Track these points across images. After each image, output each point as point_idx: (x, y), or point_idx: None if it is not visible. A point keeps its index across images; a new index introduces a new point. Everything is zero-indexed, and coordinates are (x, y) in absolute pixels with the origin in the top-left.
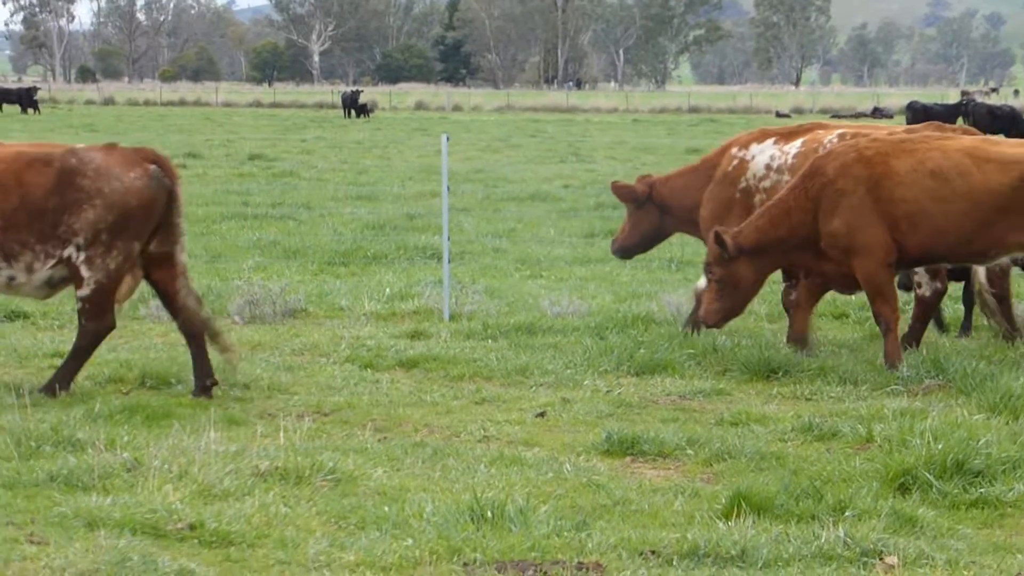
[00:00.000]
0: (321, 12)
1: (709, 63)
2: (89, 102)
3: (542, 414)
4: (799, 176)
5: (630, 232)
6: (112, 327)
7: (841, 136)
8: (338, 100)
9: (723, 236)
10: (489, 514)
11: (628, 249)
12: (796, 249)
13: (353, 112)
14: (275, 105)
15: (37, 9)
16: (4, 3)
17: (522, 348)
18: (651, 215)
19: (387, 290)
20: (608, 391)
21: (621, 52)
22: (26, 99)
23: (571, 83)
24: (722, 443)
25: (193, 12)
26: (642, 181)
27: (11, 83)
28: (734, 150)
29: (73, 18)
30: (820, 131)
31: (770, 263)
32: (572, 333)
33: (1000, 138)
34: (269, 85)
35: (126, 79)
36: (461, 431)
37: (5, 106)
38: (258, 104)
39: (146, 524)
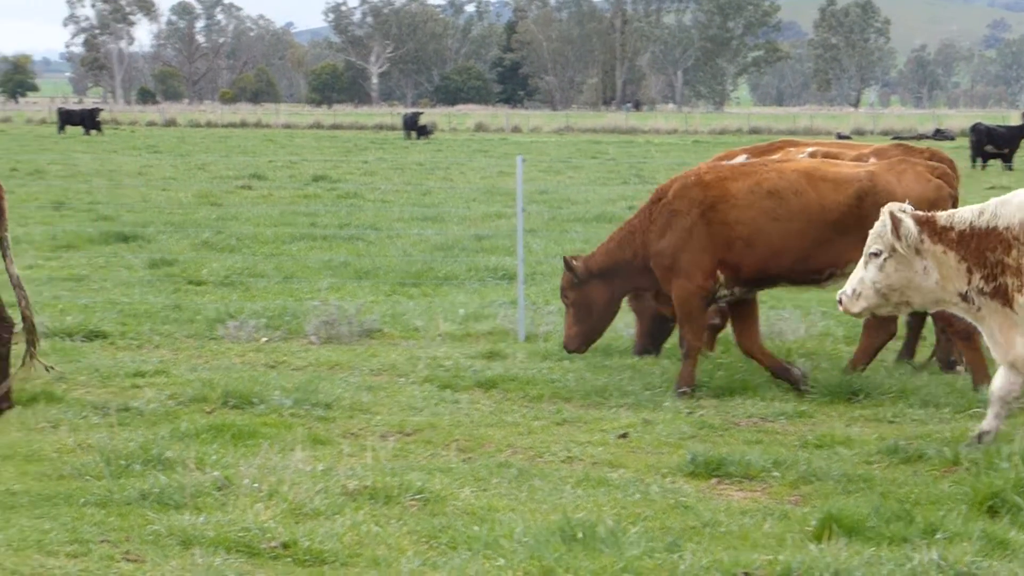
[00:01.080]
0: (380, 34)
1: (768, 84)
2: (151, 123)
3: (624, 435)
4: (649, 199)
5: None
6: None
7: (812, 154)
8: (397, 121)
9: (572, 261)
10: (580, 535)
11: None
12: (644, 272)
13: (413, 133)
14: (335, 127)
15: (98, 31)
16: (65, 25)
17: (599, 369)
18: None
19: (461, 310)
20: (689, 413)
21: (680, 73)
22: (89, 120)
23: (630, 104)
24: (808, 465)
25: (252, 34)
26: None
27: (72, 104)
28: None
29: (133, 40)
30: (791, 148)
31: (621, 285)
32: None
33: (841, 160)
34: (329, 107)
35: (186, 101)
36: (544, 452)
37: (68, 127)
38: (318, 126)
39: (240, 542)
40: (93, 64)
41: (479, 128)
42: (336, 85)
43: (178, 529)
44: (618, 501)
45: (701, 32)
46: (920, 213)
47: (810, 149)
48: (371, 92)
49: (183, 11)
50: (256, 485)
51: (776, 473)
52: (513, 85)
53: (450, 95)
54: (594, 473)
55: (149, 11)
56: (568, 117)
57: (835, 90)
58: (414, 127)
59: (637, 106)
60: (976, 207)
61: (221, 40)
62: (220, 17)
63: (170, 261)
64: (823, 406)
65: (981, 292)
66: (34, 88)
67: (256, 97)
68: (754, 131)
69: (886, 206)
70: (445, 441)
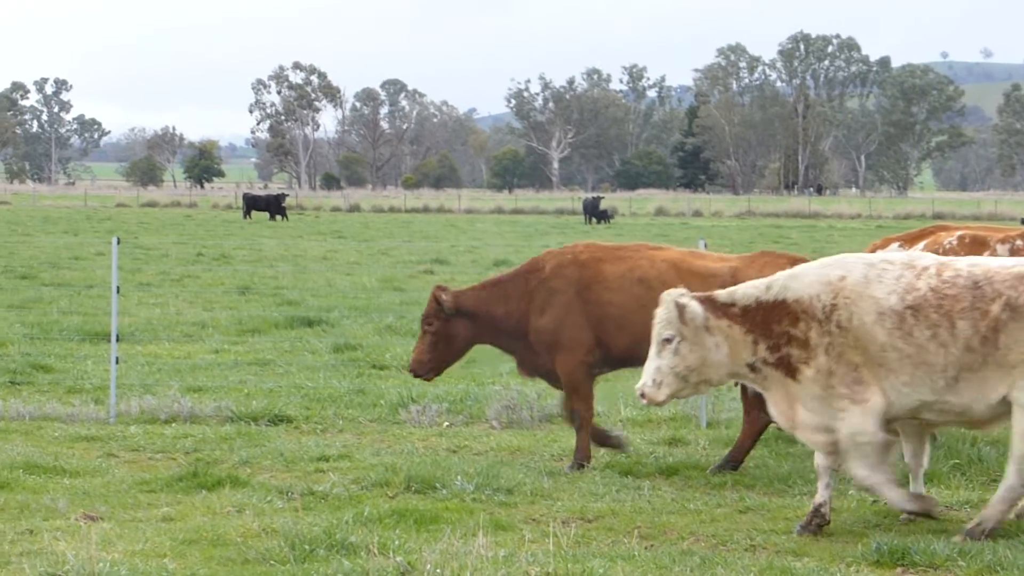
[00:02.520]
0: (561, 119)
1: (952, 169)
2: (335, 209)
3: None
4: (524, 265)
5: None
6: None
7: (960, 238)
8: (578, 206)
9: (443, 294)
10: None
11: None
12: (508, 333)
13: (594, 219)
14: (516, 211)
15: (283, 117)
16: (251, 111)
17: (782, 456)
18: None
19: None
20: (874, 501)
21: (863, 158)
22: (275, 206)
23: (812, 189)
24: (994, 555)
25: (435, 120)
26: None
27: (258, 190)
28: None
29: (318, 126)
30: (942, 233)
31: (482, 333)
32: None
33: (707, 252)
34: (510, 191)
35: (369, 186)
36: (727, 540)
37: (254, 213)
38: (499, 210)
39: None
40: (278, 150)
41: (659, 212)
42: (517, 170)
43: None
44: None
45: (884, 117)
46: (699, 294)
47: (959, 233)
48: (552, 177)
49: (367, 97)
50: (439, 571)
51: (962, 563)
52: (694, 169)
53: (631, 179)
54: (778, 562)
55: (334, 97)
56: (750, 201)
57: (1020, 175)
58: (595, 212)
59: (819, 190)
60: (763, 281)
61: (404, 126)
62: (404, 103)
63: (354, 345)
64: None
65: (766, 362)
66: (220, 174)
67: (438, 182)
68: (937, 216)
69: (665, 293)
70: (627, 528)
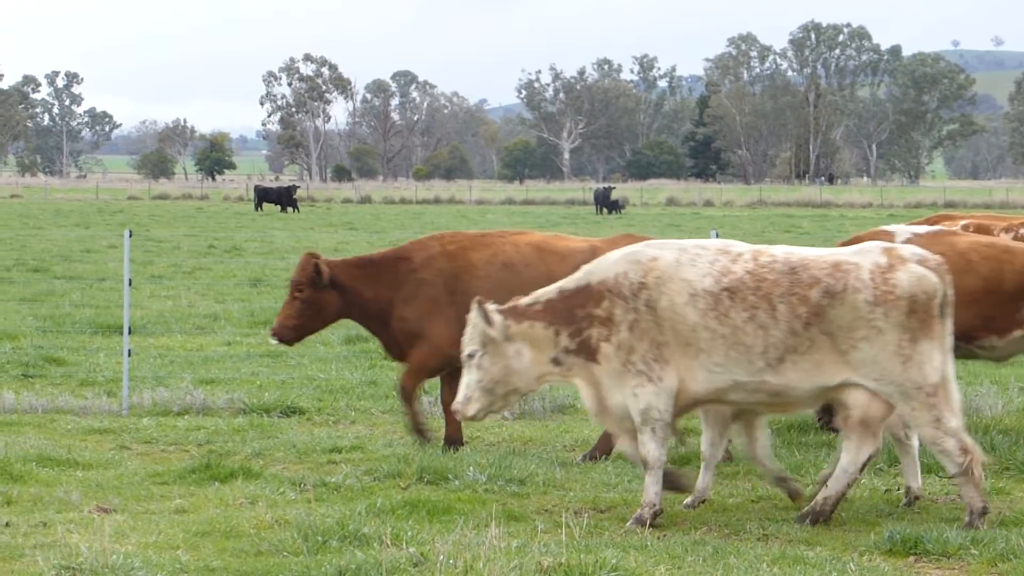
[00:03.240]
0: (572, 110)
1: (963, 158)
2: (346, 200)
3: None
4: (394, 250)
5: None
6: None
7: (964, 227)
8: (589, 196)
9: (321, 265)
10: None
11: None
12: (372, 316)
13: (605, 209)
14: (527, 202)
15: (294, 109)
16: (262, 103)
17: (795, 446)
18: None
19: None
20: (886, 490)
21: (874, 147)
22: (286, 198)
23: (823, 178)
24: (1006, 543)
25: (446, 111)
26: None
27: (269, 182)
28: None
29: (329, 118)
30: (947, 222)
31: (349, 309)
32: None
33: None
34: (520, 182)
35: (380, 178)
36: (740, 529)
37: (265, 205)
38: (510, 201)
39: None
40: (289, 142)
41: (671, 202)
42: (528, 161)
43: None
44: None
45: (895, 106)
46: (502, 306)
47: (963, 222)
48: (563, 167)
49: (378, 89)
50: (451, 561)
51: (974, 551)
52: (705, 159)
53: (642, 170)
54: (790, 551)
55: (345, 89)
56: (761, 191)
57: None
58: (606, 202)
59: (831, 180)
60: (572, 275)
61: (415, 117)
62: (414, 95)
63: (366, 337)
64: (1021, 483)
65: (568, 351)
66: (231, 166)
67: (449, 174)
68: (949, 204)
69: (472, 310)
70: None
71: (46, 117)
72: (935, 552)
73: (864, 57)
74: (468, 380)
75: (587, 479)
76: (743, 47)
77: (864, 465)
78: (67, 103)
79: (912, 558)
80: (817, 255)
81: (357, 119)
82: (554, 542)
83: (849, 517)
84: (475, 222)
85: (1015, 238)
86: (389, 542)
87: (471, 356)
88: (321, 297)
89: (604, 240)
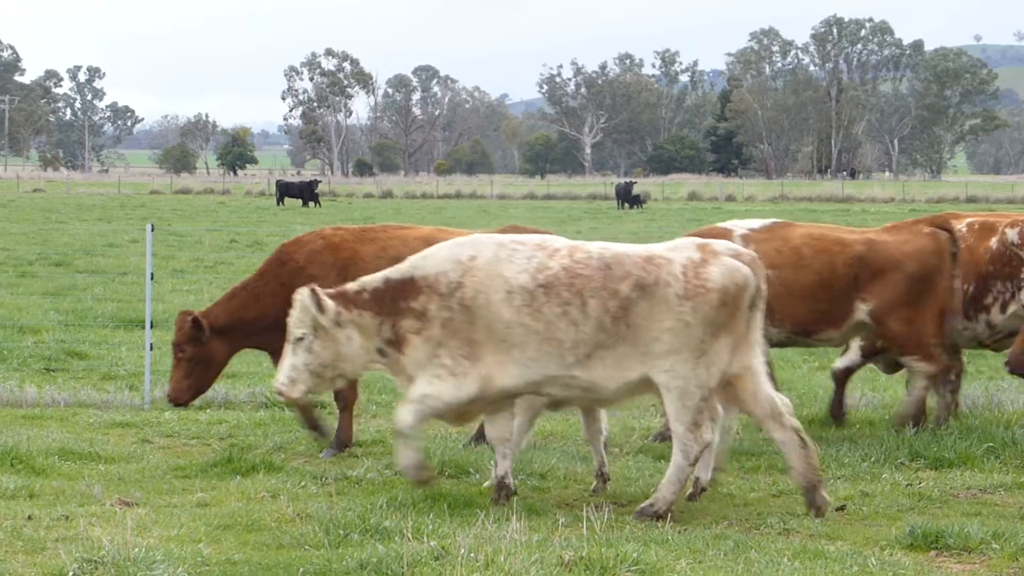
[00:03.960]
0: (593, 104)
1: (985, 152)
2: (368, 195)
3: (842, 507)
4: (267, 262)
5: None
6: None
7: (969, 225)
8: (610, 191)
9: (199, 319)
10: None
11: None
12: (264, 331)
13: (626, 204)
14: (548, 197)
15: (316, 104)
16: (283, 98)
17: (816, 440)
18: None
19: None
20: (908, 485)
21: (896, 142)
22: (308, 193)
23: (845, 173)
24: None
25: (467, 106)
26: None
27: (291, 177)
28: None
29: (351, 113)
30: (953, 220)
31: (237, 343)
32: (866, 426)
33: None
34: (542, 177)
35: (402, 172)
36: (761, 524)
37: (287, 199)
38: (532, 196)
39: None
40: (311, 136)
41: (692, 197)
42: (549, 155)
43: None
44: (836, 574)
45: (918, 100)
46: (332, 290)
47: (969, 219)
48: (584, 162)
49: (399, 84)
50: (472, 555)
51: (995, 545)
52: (727, 154)
53: (663, 164)
54: (811, 546)
55: (366, 84)
56: (783, 186)
57: None
58: (627, 197)
59: (853, 174)
60: (398, 266)
61: (437, 112)
62: (436, 89)
63: None
64: None
65: (388, 342)
66: (253, 160)
67: (471, 168)
68: (971, 199)
69: (298, 292)
70: None
71: (68, 112)
72: (956, 547)
73: (886, 52)
74: (295, 362)
75: (608, 473)
76: (765, 42)
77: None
78: (89, 98)
79: (933, 552)
80: (632, 251)
81: (378, 114)
82: (575, 536)
83: (870, 512)
84: (496, 217)
85: (1021, 234)
86: (410, 536)
87: (301, 339)
88: (207, 350)
89: (492, 232)
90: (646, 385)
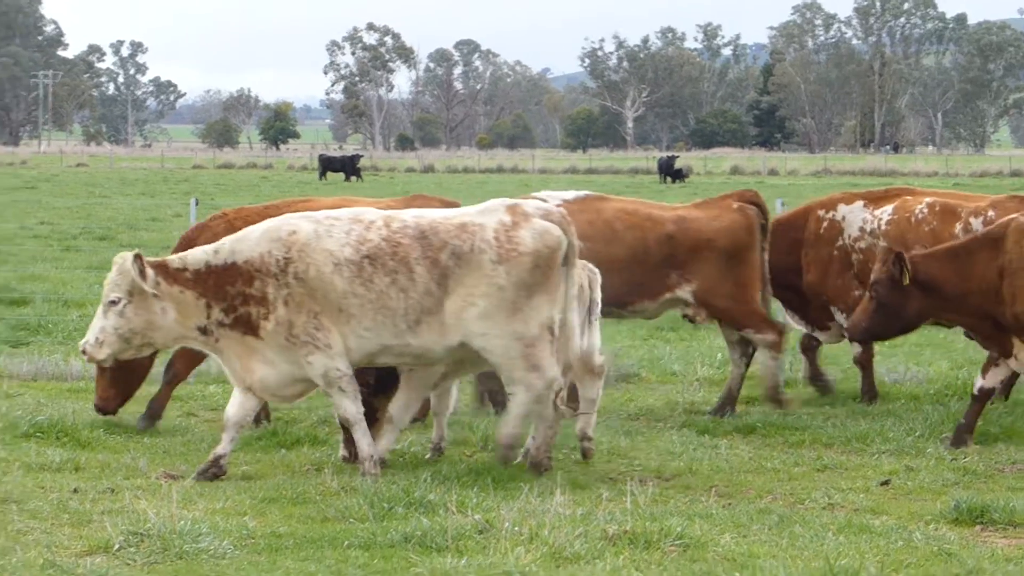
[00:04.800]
0: (635, 78)
1: None
2: (409, 170)
3: (886, 482)
4: (180, 243)
5: None
6: None
7: (930, 205)
8: (652, 165)
9: None
10: None
11: None
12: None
13: (669, 178)
14: (590, 171)
15: (357, 79)
16: (325, 72)
17: (860, 415)
18: None
19: (719, 355)
20: (953, 459)
21: (939, 115)
22: (350, 167)
23: (888, 147)
24: None
25: (509, 80)
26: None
27: (333, 151)
28: (820, 211)
29: (392, 87)
30: (908, 197)
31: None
32: (911, 400)
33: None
34: (584, 151)
35: (444, 147)
36: (805, 498)
37: (329, 174)
38: (574, 170)
39: None
40: (353, 111)
41: (735, 171)
42: (591, 130)
43: (440, 572)
44: (880, 548)
45: (961, 74)
46: (153, 259)
47: (928, 200)
48: (626, 136)
49: (441, 58)
50: (517, 529)
51: None
52: (770, 128)
53: (705, 138)
54: (856, 520)
55: (408, 58)
56: (826, 160)
57: None
58: (669, 171)
59: (896, 148)
60: (212, 246)
61: (478, 86)
62: (477, 63)
63: None
64: None
65: (221, 324)
66: (295, 135)
67: (512, 142)
68: (1015, 174)
69: (117, 256)
70: (704, 486)
71: (111, 86)
72: (1001, 521)
73: (929, 25)
74: (105, 325)
75: (651, 447)
76: (808, 15)
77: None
78: (132, 72)
79: (978, 527)
80: (444, 217)
81: (420, 88)
82: (619, 510)
83: (915, 486)
84: (538, 191)
85: (984, 222)
86: (455, 509)
87: (114, 303)
88: (132, 363)
89: (397, 201)
90: (467, 348)
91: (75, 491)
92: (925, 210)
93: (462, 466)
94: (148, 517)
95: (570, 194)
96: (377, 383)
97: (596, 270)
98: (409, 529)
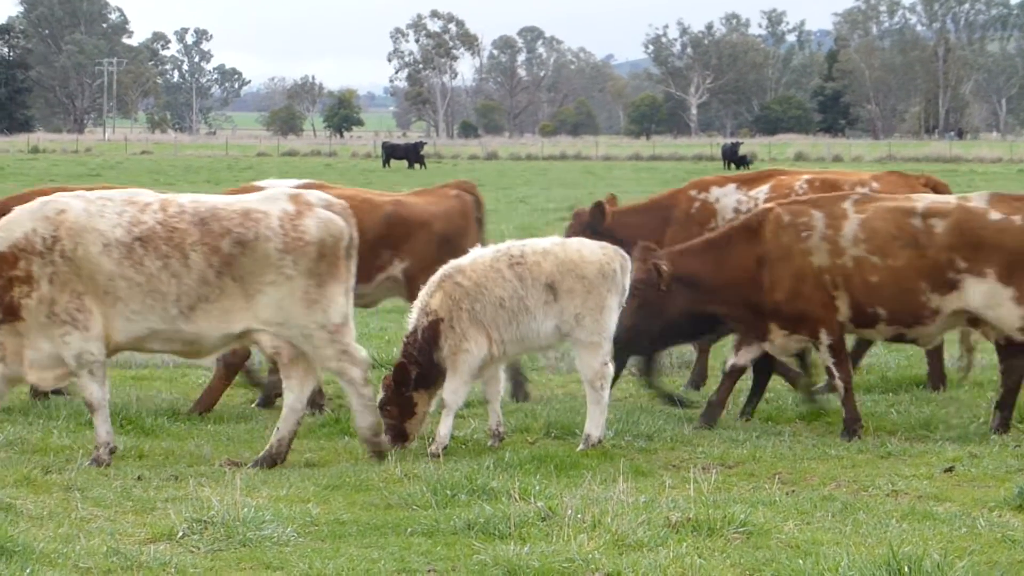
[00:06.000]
0: (700, 65)
1: None
2: (472, 157)
3: (950, 469)
4: None
5: None
6: None
7: (809, 182)
8: (716, 152)
9: None
10: (906, 569)
11: None
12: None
13: (732, 164)
14: (654, 158)
15: (421, 66)
16: (389, 60)
17: (924, 402)
18: None
19: None
20: (1016, 446)
21: (1003, 101)
22: (413, 155)
23: (952, 133)
24: None
25: (572, 67)
26: (599, 208)
27: (397, 139)
28: (692, 191)
29: (456, 75)
30: (783, 177)
31: None
32: (974, 387)
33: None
34: (647, 138)
35: (507, 134)
36: (869, 485)
37: (393, 161)
38: (637, 157)
39: (564, 573)
40: (416, 98)
41: (799, 157)
42: (655, 116)
43: (503, 559)
44: (944, 535)
45: None
46: None
47: (806, 177)
48: (690, 123)
49: (505, 45)
50: (579, 516)
51: None
52: (834, 114)
53: (770, 125)
54: (920, 507)
55: (471, 45)
56: (890, 146)
57: None
58: (733, 158)
59: (960, 135)
60: None
61: (542, 73)
62: (541, 50)
63: None
64: None
65: None
66: (359, 123)
67: (576, 129)
68: None
69: None
70: (767, 474)
71: (176, 74)
72: None
73: (994, 11)
74: None
75: (715, 435)
76: (872, 2)
77: (309, 400)
78: (196, 60)
79: None
80: (226, 203)
81: (484, 75)
82: (682, 497)
83: (979, 473)
84: (601, 178)
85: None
86: (517, 496)
87: None
88: None
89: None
90: (249, 336)
91: (139, 479)
92: (805, 186)
93: (524, 453)
94: (212, 504)
95: (292, 183)
96: (418, 379)
97: (627, 256)
98: (472, 516)
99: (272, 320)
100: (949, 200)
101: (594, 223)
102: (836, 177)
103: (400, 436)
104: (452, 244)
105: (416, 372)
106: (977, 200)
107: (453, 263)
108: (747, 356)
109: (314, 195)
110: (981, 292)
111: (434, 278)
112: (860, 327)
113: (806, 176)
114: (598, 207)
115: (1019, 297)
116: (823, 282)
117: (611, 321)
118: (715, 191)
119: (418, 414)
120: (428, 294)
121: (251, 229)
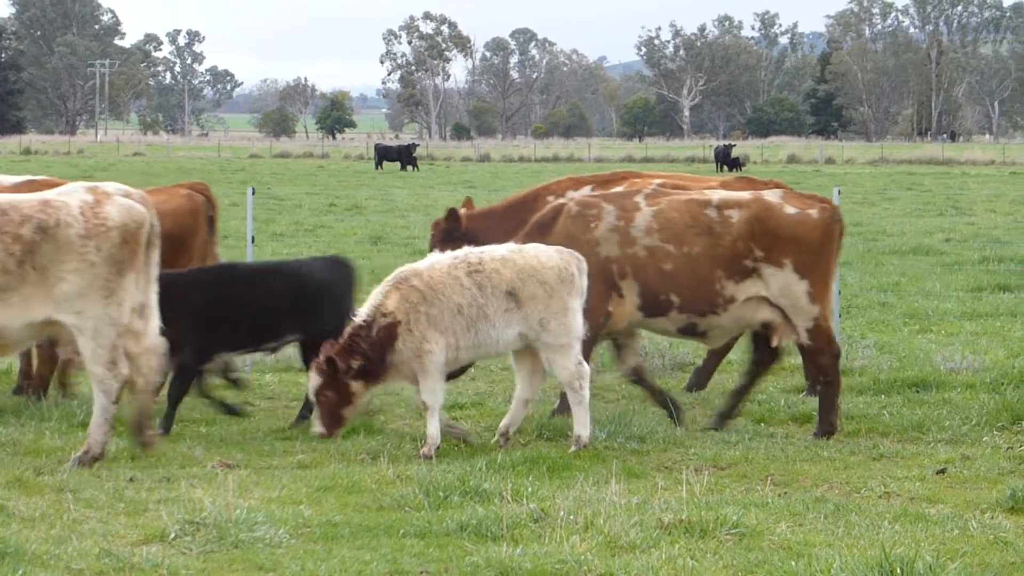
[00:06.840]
0: (692, 67)
1: None
2: (465, 159)
3: (943, 471)
4: None
5: None
6: None
7: (661, 186)
8: (709, 154)
9: None
10: (898, 570)
11: None
12: None
13: (725, 166)
14: (646, 160)
15: (414, 68)
16: (382, 62)
17: (916, 404)
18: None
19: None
20: (1008, 448)
21: (996, 104)
22: (406, 156)
23: (945, 135)
24: None
25: (565, 69)
26: (453, 215)
27: (389, 140)
28: (550, 197)
29: (449, 76)
30: (637, 180)
31: None
32: (967, 389)
33: None
34: (640, 140)
35: (499, 136)
36: (861, 487)
37: (385, 163)
38: (630, 159)
39: (557, 574)
40: (409, 100)
41: (791, 160)
42: (648, 118)
43: (496, 561)
44: (936, 537)
45: (1018, 62)
46: None
47: (657, 181)
48: (683, 125)
49: (497, 47)
50: (572, 517)
51: None
52: (827, 116)
53: (762, 127)
54: (912, 509)
55: (464, 47)
56: (883, 148)
57: None
58: (726, 160)
59: (953, 137)
60: None
61: (535, 75)
62: (534, 52)
63: None
64: None
65: None
66: (351, 124)
67: (568, 131)
68: None
69: None
70: (760, 475)
71: (168, 75)
72: None
73: (986, 14)
74: None
75: (707, 436)
76: (865, 4)
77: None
78: (188, 61)
79: None
80: (25, 196)
81: (476, 77)
82: (674, 499)
83: (971, 475)
84: None
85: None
86: (510, 498)
87: None
88: None
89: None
90: (52, 326)
91: (131, 480)
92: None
93: (517, 454)
94: (204, 506)
95: (18, 179)
96: (361, 370)
97: (583, 258)
98: (464, 518)
99: (72, 309)
100: (744, 194)
101: (451, 230)
102: (686, 182)
103: (336, 421)
104: (181, 241)
105: (360, 364)
106: (772, 196)
107: (409, 266)
108: None
109: (112, 186)
110: (777, 281)
111: (389, 279)
112: (652, 315)
113: (657, 180)
114: (452, 214)
115: (813, 294)
116: (609, 272)
117: (576, 322)
118: (570, 193)
119: (354, 403)
120: (383, 294)
121: (52, 216)
